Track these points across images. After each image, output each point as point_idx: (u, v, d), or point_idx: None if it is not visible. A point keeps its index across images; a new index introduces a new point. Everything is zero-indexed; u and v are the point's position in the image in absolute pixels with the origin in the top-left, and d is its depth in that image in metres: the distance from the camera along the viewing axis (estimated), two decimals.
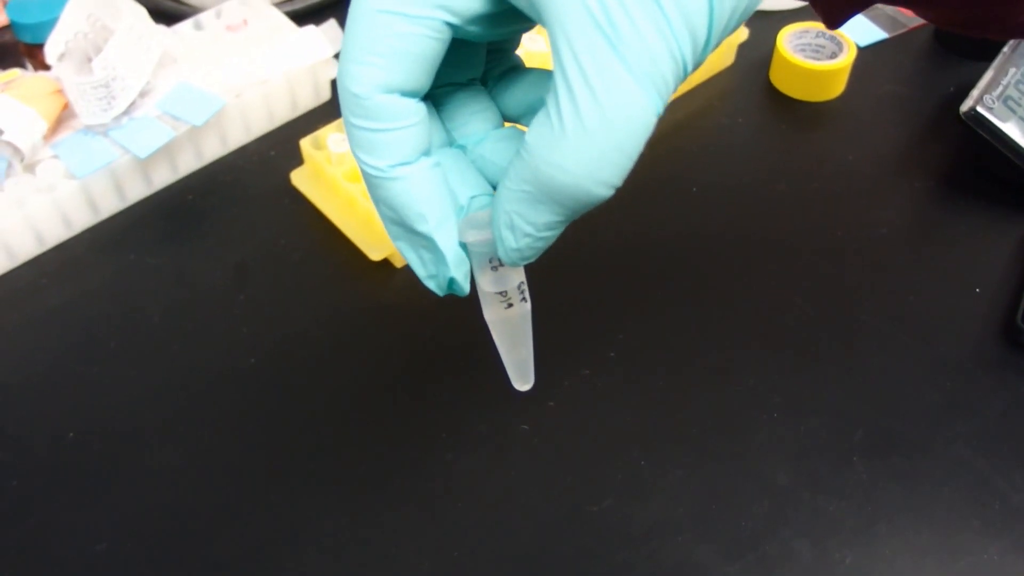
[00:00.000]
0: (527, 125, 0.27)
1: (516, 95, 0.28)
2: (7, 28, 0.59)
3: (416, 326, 0.45)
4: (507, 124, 0.28)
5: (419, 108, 0.24)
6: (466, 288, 0.27)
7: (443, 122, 0.27)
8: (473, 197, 0.26)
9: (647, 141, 0.22)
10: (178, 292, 0.47)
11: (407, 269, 0.48)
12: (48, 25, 0.50)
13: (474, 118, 0.27)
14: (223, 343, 0.45)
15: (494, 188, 0.27)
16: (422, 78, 0.24)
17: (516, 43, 0.29)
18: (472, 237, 0.26)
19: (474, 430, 0.41)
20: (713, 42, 0.22)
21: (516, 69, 0.28)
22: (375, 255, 0.47)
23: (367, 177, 0.25)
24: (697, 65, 0.23)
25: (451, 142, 0.28)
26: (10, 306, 0.47)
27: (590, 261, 0.48)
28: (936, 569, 0.37)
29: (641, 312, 0.46)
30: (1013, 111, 0.49)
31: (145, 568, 0.38)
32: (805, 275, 0.47)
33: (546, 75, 0.28)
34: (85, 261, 0.49)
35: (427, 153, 0.25)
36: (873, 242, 0.49)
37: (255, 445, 0.41)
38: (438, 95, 0.27)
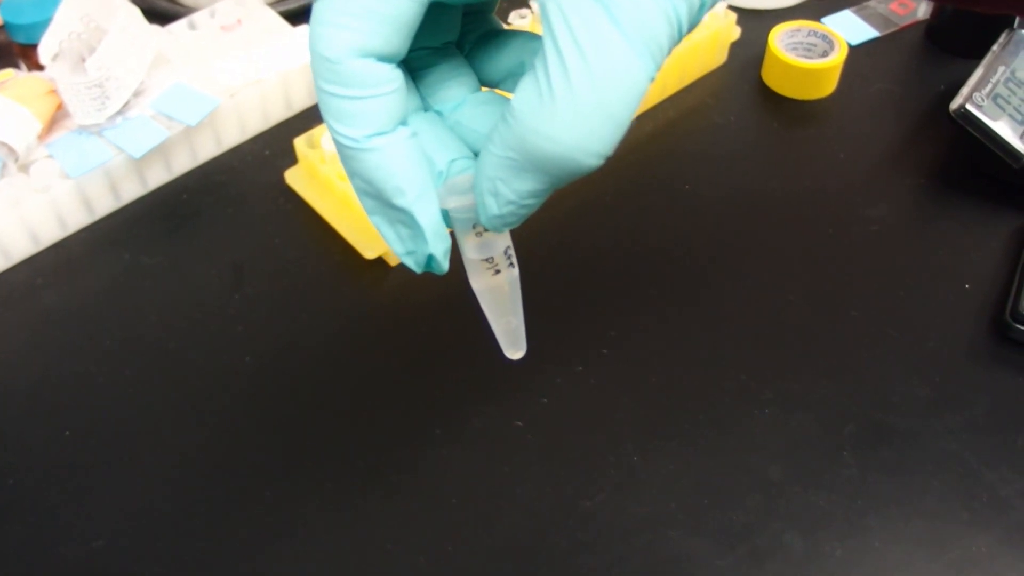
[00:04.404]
0: (507, 90, 0.26)
1: (495, 60, 0.27)
2: (0, 28, 0.59)
3: (410, 323, 0.45)
4: (484, 89, 0.27)
5: (396, 74, 0.23)
6: (445, 266, 0.26)
7: (418, 88, 0.26)
8: (452, 161, 0.25)
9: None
10: (173, 291, 0.47)
11: (401, 267, 0.48)
12: (42, 25, 0.50)
13: (450, 83, 0.26)
14: (219, 342, 0.45)
15: (473, 152, 0.26)
16: (399, 42, 0.23)
17: (494, 5, 0.28)
18: (454, 203, 0.25)
19: (468, 426, 0.42)
20: (709, 3, 0.21)
21: (494, 32, 0.27)
22: (369, 253, 0.47)
23: (340, 148, 0.24)
24: (692, 27, 0.22)
25: (426, 108, 0.26)
26: (5, 306, 0.47)
27: (583, 258, 0.48)
28: (925, 561, 0.37)
29: (634, 308, 0.46)
30: (1003, 109, 0.50)
31: (142, 564, 0.38)
32: (796, 271, 0.48)
33: (527, 38, 0.26)
34: (80, 261, 0.49)
35: (404, 122, 0.24)
36: (864, 239, 0.50)
37: (250, 442, 0.41)
38: (412, 60, 0.26)
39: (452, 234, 0.26)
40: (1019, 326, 0.44)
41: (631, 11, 0.20)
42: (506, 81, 0.27)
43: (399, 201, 0.24)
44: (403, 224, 0.25)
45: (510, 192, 0.23)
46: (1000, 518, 0.39)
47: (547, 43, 0.21)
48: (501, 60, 0.26)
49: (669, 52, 0.21)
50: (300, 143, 0.50)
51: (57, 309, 0.47)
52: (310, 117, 0.56)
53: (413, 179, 0.24)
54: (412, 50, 0.24)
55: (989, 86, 0.50)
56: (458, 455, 0.41)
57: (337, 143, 0.24)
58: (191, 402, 0.43)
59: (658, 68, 0.21)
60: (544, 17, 0.21)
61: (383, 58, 0.23)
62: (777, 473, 0.40)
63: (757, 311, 0.46)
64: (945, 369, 0.44)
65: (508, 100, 0.23)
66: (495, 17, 0.28)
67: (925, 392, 0.43)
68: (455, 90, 0.26)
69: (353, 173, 0.24)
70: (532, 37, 0.26)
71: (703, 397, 0.43)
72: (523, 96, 0.21)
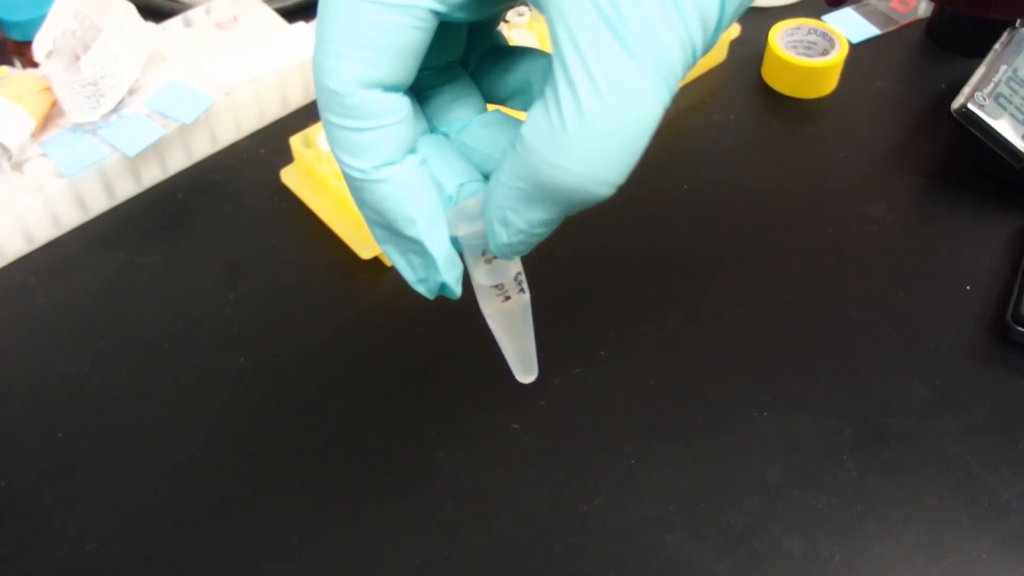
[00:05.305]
0: (513, 108, 0.26)
1: (500, 77, 0.26)
2: None
3: (406, 324, 0.45)
4: (490, 107, 0.26)
5: (403, 102, 0.23)
6: (457, 292, 0.25)
7: (423, 109, 0.26)
8: (462, 185, 0.25)
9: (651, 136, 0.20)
10: (168, 291, 0.47)
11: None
12: (36, 22, 0.49)
13: (456, 104, 0.25)
14: (213, 342, 0.45)
15: (482, 175, 0.25)
16: (406, 70, 0.22)
17: (498, 20, 0.27)
18: (464, 230, 0.24)
19: (465, 428, 0.41)
20: (725, 24, 0.21)
21: (499, 49, 0.26)
22: (365, 253, 0.47)
23: (349, 180, 0.23)
24: (707, 50, 0.21)
25: (432, 130, 0.26)
26: None
27: (580, 259, 0.48)
28: (925, 565, 0.37)
29: (631, 310, 0.46)
30: (1004, 108, 0.49)
31: (135, 567, 0.37)
32: (795, 272, 0.48)
33: (534, 56, 0.26)
34: (74, 260, 0.48)
35: (412, 150, 0.23)
36: (864, 239, 0.49)
37: (245, 444, 0.41)
38: (416, 81, 0.25)
39: (461, 257, 0.26)
40: (1020, 328, 0.44)
41: (644, 37, 0.19)
42: (512, 99, 0.26)
43: (410, 231, 0.24)
44: (414, 253, 0.24)
45: (520, 221, 0.22)
46: (1001, 521, 0.38)
47: (557, 70, 0.20)
48: (507, 78, 0.26)
49: (683, 77, 0.20)
50: (296, 142, 0.49)
51: (51, 309, 0.46)
52: (306, 115, 0.55)
53: (423, 208, 0.23)
54: (417, 71, 0.24)
55: (991, 85, 0.50)
56: (454, 458, 0.40)
57: (346, 175, 0.23)
58: (186, 403, 0.42)
59: (672, 94, 0.20)
60: (554, 43, 0.20)
61: (390, 88, 0.22)
62: (776, 476, 0.40)
63: (755, 312, 0.46)
64: (945, 371, 0.43)
65: (516, 122, 0.22)
66: (500, 32, 0.27)
67: (925, 394, 0.43)
68: (461, 111, 0.26)
69: (363, 204, 0.24)
70: (539, 55, 0.26)
71: (701, 399, 0.42)
72: (533, 125, 0.21)
